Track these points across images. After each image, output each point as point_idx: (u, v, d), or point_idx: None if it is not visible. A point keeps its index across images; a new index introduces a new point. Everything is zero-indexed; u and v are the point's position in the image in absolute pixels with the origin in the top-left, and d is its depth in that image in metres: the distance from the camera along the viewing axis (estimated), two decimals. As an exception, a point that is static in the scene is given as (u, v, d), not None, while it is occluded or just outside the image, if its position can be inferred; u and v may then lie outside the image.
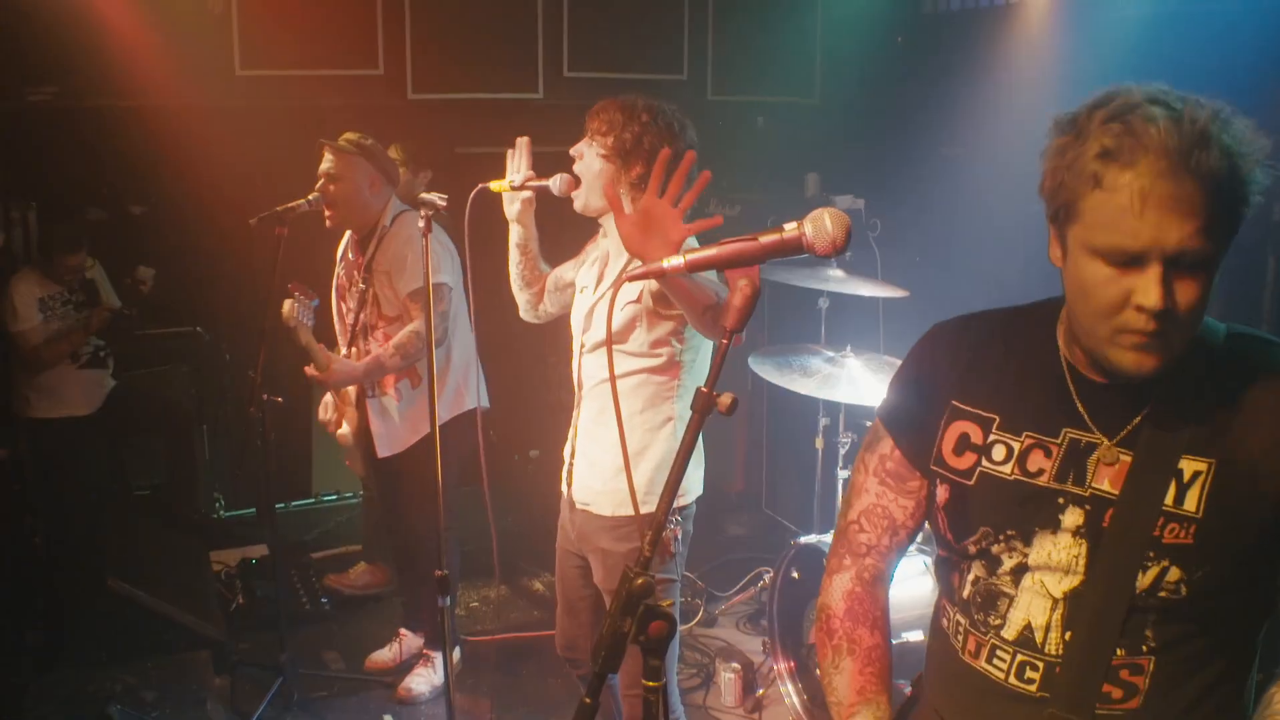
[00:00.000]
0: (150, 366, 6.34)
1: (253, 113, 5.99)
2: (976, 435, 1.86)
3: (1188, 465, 1.68)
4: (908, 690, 3.24)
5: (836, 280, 4.73)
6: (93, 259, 5.75)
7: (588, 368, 3.27)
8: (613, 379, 2.05)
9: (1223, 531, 1.66)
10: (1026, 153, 5.79)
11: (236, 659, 4.83)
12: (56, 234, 5.66)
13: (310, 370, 4.41)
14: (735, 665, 4.76)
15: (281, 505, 6.42)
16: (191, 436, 6.31)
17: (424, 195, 3.56)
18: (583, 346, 3.29)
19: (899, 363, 4.71)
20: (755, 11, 7.12)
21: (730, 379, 6.15)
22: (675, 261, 1.78)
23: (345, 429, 4.80)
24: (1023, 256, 5.45)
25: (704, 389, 1.76)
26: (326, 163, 4.56)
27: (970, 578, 1.88)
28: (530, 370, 6.51)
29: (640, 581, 1.76)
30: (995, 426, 1.85)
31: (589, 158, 3.18)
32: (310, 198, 4.61)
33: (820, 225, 1.73)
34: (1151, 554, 1.67)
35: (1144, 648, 1.72)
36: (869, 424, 4.98)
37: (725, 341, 1.77)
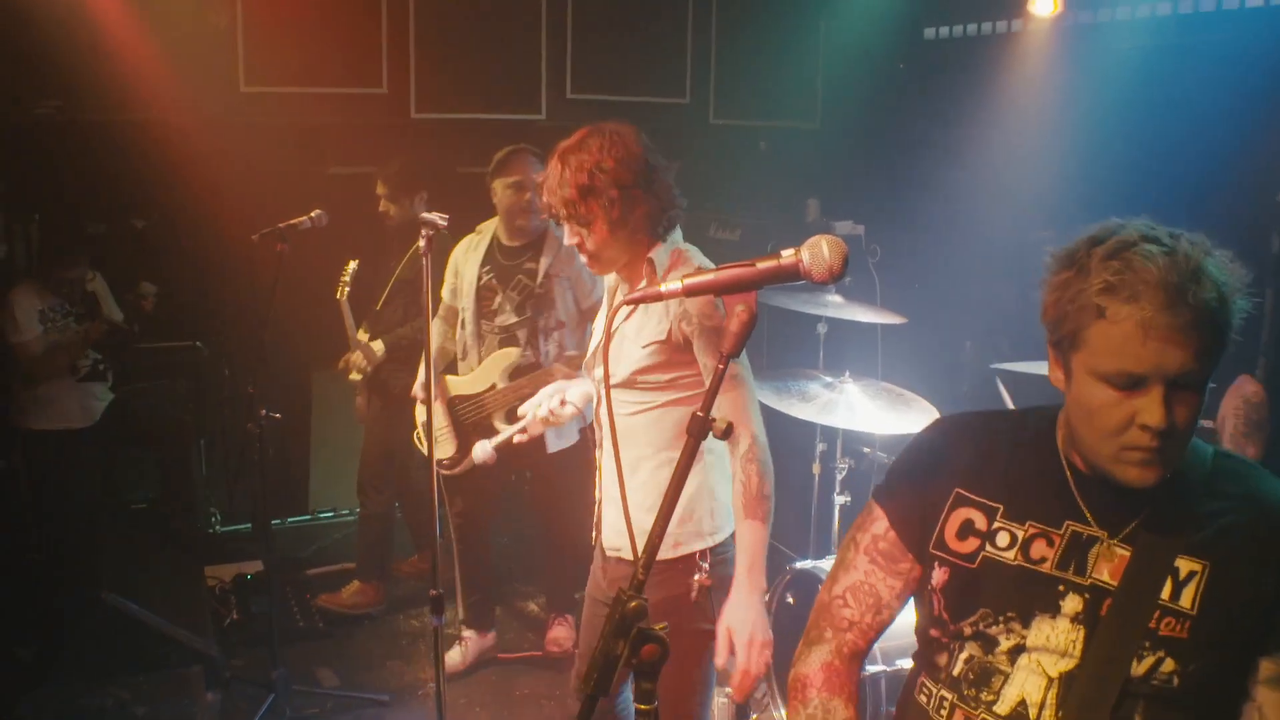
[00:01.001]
0: (149, 380, 6.33)
1: (256, 129, 6.01)
2: (981, 522, 1.95)
3: (1184, 564, 1.81)
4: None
5: (835, 306, 4.74)
6: (94, 272, 5.76)
7: (615, 407, 3.08)
8: (611, 419, 2.05)
9: (1215, 629, 1.79)
10: (1026, 179, 5.89)
11: (229, 675, 4.82)
12: (57, 246, 5.67)
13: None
14: (729, 690, 4.74)
15: (278, 521, 6.42)
16: (189, 451, 6.31)
17: (425, 215, 3.57)
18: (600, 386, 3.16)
19: (897, 390, 4.71)
20: (758, 36, 7.15)
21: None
22: (673, 286, 1.79)
23: (490, 453, 4.81)
24: (1020, 283, 5.46)
25: (699, 413, 1.77)
26: (531, 175, 4.70)
27: (963, 656, 1.94)
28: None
29: (634, 605, 1.77)
30: (1000, 515, 1.94)
31: (591, 235, 2.98)
32: (313, 215, 4.64)
33: (818, 252, 1.74)
34: (1148, 644, 1.79)
35: None
36: (866, 450, 5.00)
37: (721, 366, 1.77)
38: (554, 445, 4.88)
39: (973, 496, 1.97)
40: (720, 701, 4.67)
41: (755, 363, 5.96)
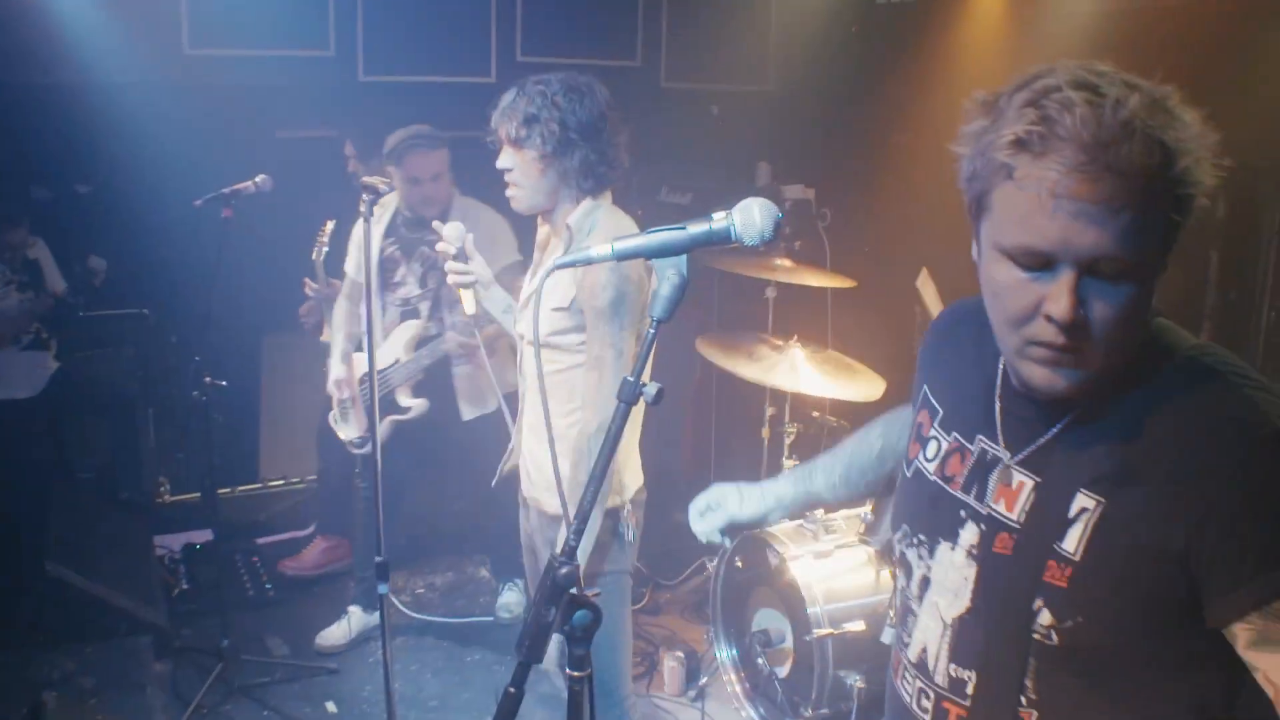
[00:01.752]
0: (95, 349, 6.27)
1: (201, 92, 5.92)
2: (926, 426, 1.79)
3: (1080, 500, 1.50)
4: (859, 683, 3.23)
5: (784, 270, 4.74)
6: (35, 238, 5.67)
7: (528, 363, 3.27)
8: (541, 381, 2.05)
9: (1097, 581, 1.49)
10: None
11: (178, 645, 4.81)
12: (10, 237, 5.58)
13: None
14: (679, 653, 4.77)
15: (227, 490, 6.37)
16: (136, 420, 6.25)
17: (366, 179, 3.55)
18: (523, 340, 3.31)
19: (844, 359, 4.72)
20: (710, -1, 7.12)
21: (680, 365, 6.16)
22: (604, 250, 1.78)
23: (419, 400, 4.81)
24: (973, 248, 5.48)
25: (630, 378, 1.77)
26: (427, 165, 4.81)
27: (899, 585, 1.80)
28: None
29: (564, 571, 1.77)
30: (938, 420, 1.76)
31: (521, 163, 3.11)
32: (257, 180, 4.60)
33: (748, 216, 1.74)
34: (1030, 590, 1.53)
35: (1023, 699, 1.58)
36: (815, 414, 5.00)
37: (652, 332, 1.77)
38: (468, 414, 4.92)
39: (930, 396, 1.80)
40: (671, 665, 4.71)
41: (705, 323, 6.00)
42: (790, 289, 5.05)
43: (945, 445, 1.72)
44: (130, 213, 5.98)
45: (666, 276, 1.76)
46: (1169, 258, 1.44)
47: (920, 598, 1.71)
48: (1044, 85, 1.40)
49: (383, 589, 3.59)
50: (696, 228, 1.75)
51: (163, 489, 6.42)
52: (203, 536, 5.64)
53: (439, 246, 3.34)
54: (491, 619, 5.30)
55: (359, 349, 4.96)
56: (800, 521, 4.37)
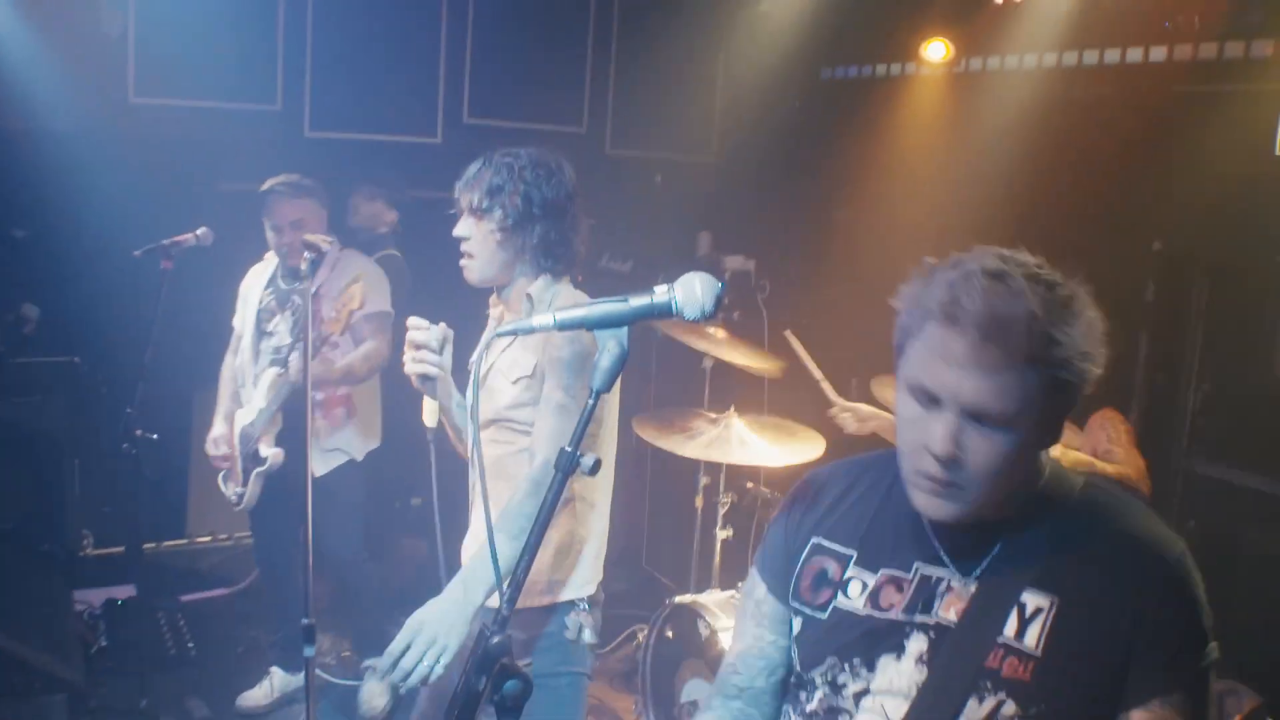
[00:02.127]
0: (22, 396, 6.14)
1: (145, 142, 5.87)
2: (835, 571, 1.91)
3: (1031, 599, 1.74)
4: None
5: (718, 343, 4.77)
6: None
7: (487, 447, 3.08)
8: (481, 464, 2.01)
9: (1061, 671, 1.70)
10: (916, 217, 6.01)
11: (93, 705, 4.69)
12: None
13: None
14: (607, 723, 4.74)
15: (152, 545, 6.26)
16: (61, 470, 6.12)
17: (307, 237, 3.55)
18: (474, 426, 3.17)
19: (782, 421, 4.76)
20: (657, 68, 7.19)
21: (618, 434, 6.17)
22: (545, 319, 1.79)
23: (278, 449, 4.67)
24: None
25: (567, 448, 1.77)
26: (285, 213, 4.72)
27: (817, 695, 1.88)
28: (414, 414, 6.46)
29: (496, 640, 1.76)
30: (853, 562, 1.90)
31: (479, 234, 3.02)
32: (198, 232, 4.60)
33: (690, 290, 1.75)
34: (989, 685, 1.72)
35: None
36: (749, 485, 5.03)
37: (592, 402, 1.77)
38: (319, 469, 4.77)
39: (828, 545, 1.94)
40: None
41: (642, 396, 6.02)
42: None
43: (874, 581, 1.87)
44: (67, 260, 5.92)
45: (607, 348, 1.77)
46: (1060, 416, 1.73)
47: (858, 703, 1.83)
48: (965, 269, 1.69)
49: (308, 652, 3.53)
50: (638, 301, 1.76)
51: (85, 542, 6.29)
52: (125, 592, 5.53)
53: (410, 336, 2.99)
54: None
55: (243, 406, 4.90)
56: (731, 593, 4.37)
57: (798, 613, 1.95)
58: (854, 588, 1.88)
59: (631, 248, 6.65)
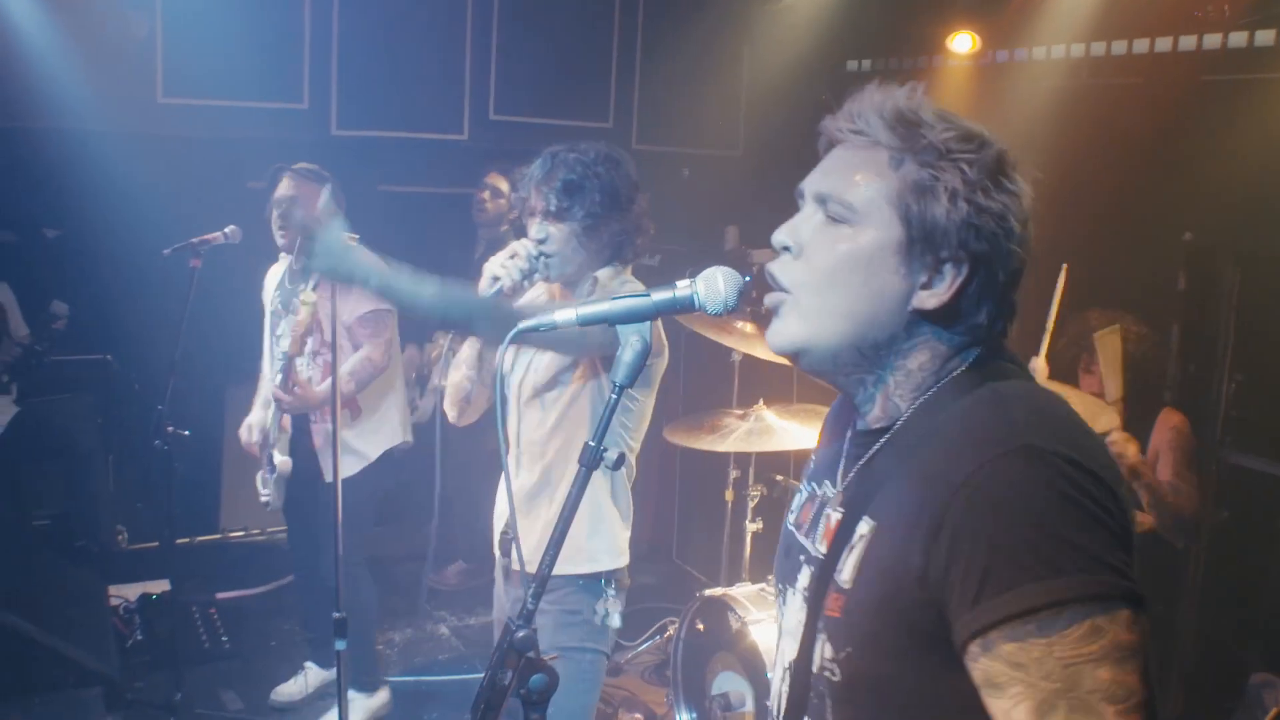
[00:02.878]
0: (55, 394, 6.21)
1: (173, 141, 5.92)
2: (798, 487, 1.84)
3: (861, 527, 1.50)
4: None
5: (741, 337, 4.77)
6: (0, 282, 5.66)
7: (527, 421, 3.15)
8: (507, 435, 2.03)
9: (861, 609, 1.47)
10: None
11: (129, 697, 4.74)
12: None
13: (279, 393, 4.35)
14: (638, 715, 4.75)
15: (186, 540, 6.32)
16: (95, 467, 6.20)
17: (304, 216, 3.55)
18: (518, 398, 3.17)
19: (813, 407, 4.74)
20: (682, 62, 7.18)
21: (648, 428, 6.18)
22: (567, 316, 1.78)
23: (285, 458, 4.71)
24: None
25: (590, 442, 1.77)
26: (290, 189, 4.62)
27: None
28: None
29: (521, 634, 1.76)
30: (806, 475, 1.81)
31: (559, 234, 3.03)
32: (226, 231, 4.61)
33: (712, 284, 1.73)
34: (820, 624, 1.53)
35: None
36: (779, 478, 5.02)
37: (615, 396, 1.77)
38: (328, 474, 4.66)
39: (811, 461, 1.84)
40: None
41: (671, 391, 6.01)
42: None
43: (804, 496, 1.77)
44: (98, 259, 5.99)
45: (629, 343, 1.76)
46: (933, 252, 1.50)
47: (778, 648, 1.72)
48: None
49: (340, 645, 3.56)
50: (660, 296, 1.75)
51: (120, 537, 6.36)
52: (159, 587, 5.58)
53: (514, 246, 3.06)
54: (452, 677, 5.26)
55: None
56: (762, 586, 4.38)
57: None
58: (795, 501, 1.79)
59: (659, 242, 6.61)
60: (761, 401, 4.64)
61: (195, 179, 5.63)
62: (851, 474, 1.60)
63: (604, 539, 3.11)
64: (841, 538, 1.53)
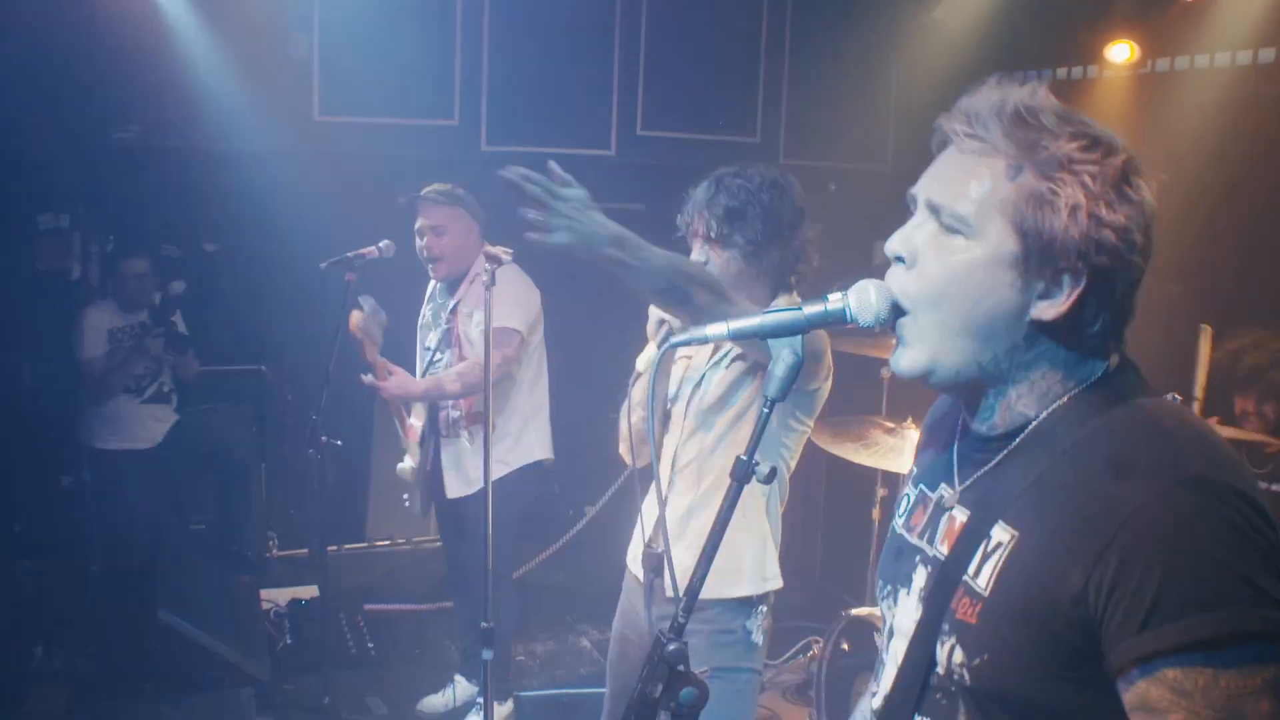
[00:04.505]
0: (213, 403, 6.45)
1: (328, 158, 6.10)
2: (906, 486, 1.84)
3: (998, 533, 1.50)
4: None
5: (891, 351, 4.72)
6: (159, 294, 5.88)
7: (690, 443, 3.13)
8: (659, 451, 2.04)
9: (1002, 618, 1.46)
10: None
11: (279, 699, 4.88)
12: (130, 268, 5.79)
13: (368, 379, 4.47)
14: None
15: (334, 548, 6.48)
16: (249, 474, 6.41)
17: (488, 249, 3.62)
18: (683, 418, 3.15)
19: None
20: (830, 75, 7.15)
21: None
22: (719, 329, 1.79)
23: (407, 463, 4.85)
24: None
25: (743, 456, 1.77)
26: (429, 218, 4.72)
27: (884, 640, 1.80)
28: (591, 423, 6.54)
29: (672, 647, 1.77)
30: (911, 478, 1.82)
31: (719, 261, 3.01)
32: (380, 245, 4.73)
33: (864, 297, 1.67)
34: (946, 628, 1.53)
35: None
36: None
37: (767, 411, 1.77)
38: (453, 490, 4.82)
39: (914, 465, 1.85)
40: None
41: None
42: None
43: (913, 498, 1.76)
44: (255, 272, 6.21)
45: (781, 357, 1.74)
46: (1053, 264, 1.46)
47: (887, 648, 1.73)
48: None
49: (486, 655, 3.62)
50: (812, 309, 1.71)
51: (271, 544, 6.56)
52: (309, 592, 5.74)
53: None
54: (593, 690, 5.29)
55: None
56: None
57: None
58: (903, 504, 1.79)
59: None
60: (911, 420, 4.59)
61: (350, 194, 5.78)
62: (974, 478, 1.61)
63: (763, 562, 3.10)
64: (968, 540, 1.54)
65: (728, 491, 1.77)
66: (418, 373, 4.92)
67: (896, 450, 4.44)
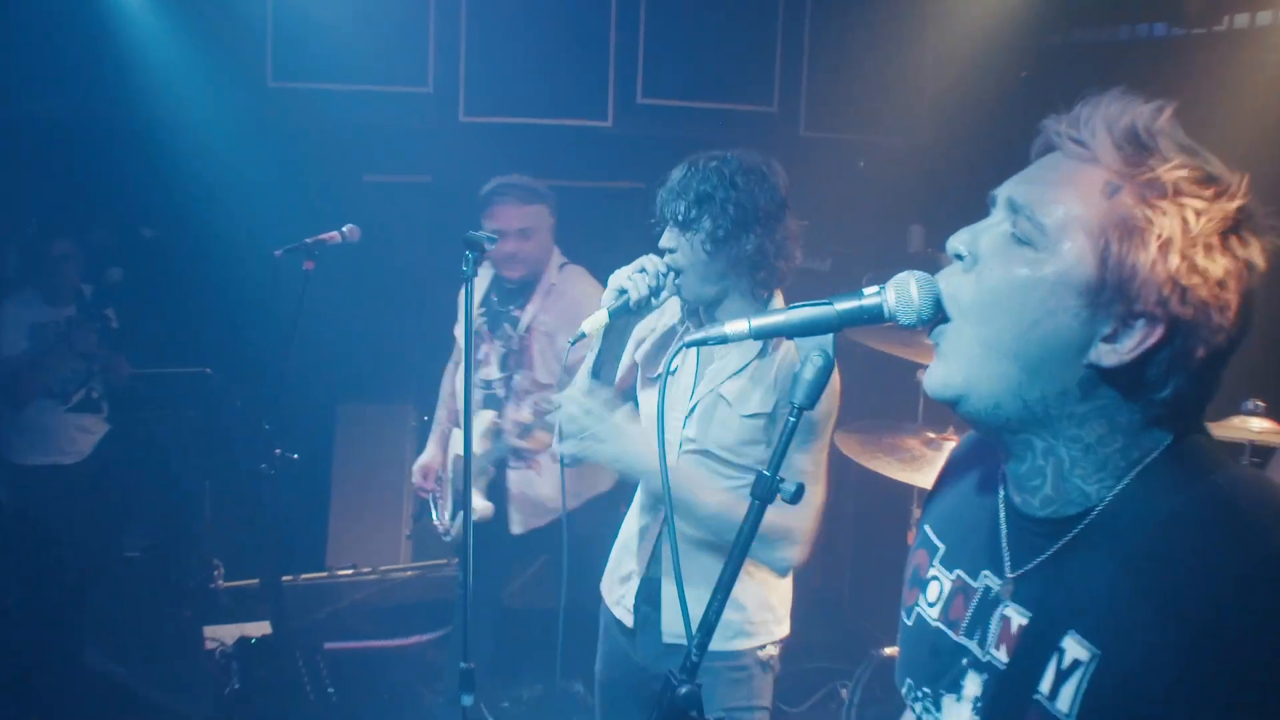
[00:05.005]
0: (151, 410, 6.43)
1: (284, 130, 6.08)
2: (924, 566, 1.81)
3: (1072, 647, 1.46)
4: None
5: (931, 354, 4.72)
6: (89, 284, 5.87)
7: (682, 459, 3.22)
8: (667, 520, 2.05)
9: None
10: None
11: (227, 753, 4.88)
12: (54, 252, 5.77)
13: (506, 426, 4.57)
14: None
15: (289, 577, 6.47)
16: (192, 493, 6.39)
17: (472, 234, 3.61)
18: (679, 447, 3.24)
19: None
20: (859, 35, 7.10)
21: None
22: (739, 328, 1.80)
23: (485, 503, 4.79)
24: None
25: (765, 472, 1.78)
26: (512, 219, 4.71)
27: None
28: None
29: (685, 690, 1.78)
30: (937, 558, 1.79)
31: (687, 247, 3.13)
32: (344, 229, 4.72)
33: (904, 291, 1.68)
34: None
35: None
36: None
37: (793, 420, 1.78)
38: (517, 526, 4.89)
39: (930, 534, 1.83)
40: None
41: (844, 413, 5.95)
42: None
43: (948, 585, 1.74)
44: (200, 261, 6.14)
45: (810, 359, 1.76)
46: (1116, 304, 1.45)
47: None
48: None
49: (466, 700, 3.61)
50: (845, 305, 1.73)
51: (217, 573, 6.54)
52: (260, 630, 5.73)
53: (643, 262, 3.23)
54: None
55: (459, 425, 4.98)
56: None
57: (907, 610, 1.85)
58: (932, 589, 1.77)
59: (831, 244, 6.60)
60: (952, 429, 4.59)
61: (309, 172, 5.76)
62: (1029, 568, 1.58)
63: (772, 609, 3.25)
64: (1034, 650, 1.51)
65: (749, 511, 1.78)
66: (467, 392, 4.93)
67: (936, 464, 4.43)
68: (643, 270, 3.13)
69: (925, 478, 4.39)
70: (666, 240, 3.14)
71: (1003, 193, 1.57)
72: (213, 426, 6.59)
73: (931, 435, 4.60)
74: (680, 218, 3.09)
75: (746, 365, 3.13)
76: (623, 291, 3.11)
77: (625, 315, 3.17)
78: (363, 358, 5.21)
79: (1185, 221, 1.41)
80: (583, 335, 3.17)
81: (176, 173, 5.89)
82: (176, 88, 5.82)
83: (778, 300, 3.20)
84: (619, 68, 6.82)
